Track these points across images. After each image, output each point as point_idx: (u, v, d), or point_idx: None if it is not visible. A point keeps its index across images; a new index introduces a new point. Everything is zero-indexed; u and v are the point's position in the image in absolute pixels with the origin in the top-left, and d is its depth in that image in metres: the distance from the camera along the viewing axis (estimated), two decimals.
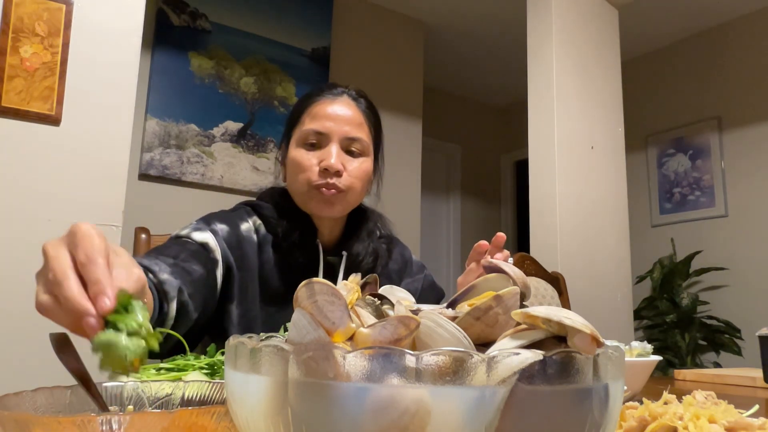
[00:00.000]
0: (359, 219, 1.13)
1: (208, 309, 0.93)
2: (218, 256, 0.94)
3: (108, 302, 0.39)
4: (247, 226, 1.02)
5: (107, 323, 0.38)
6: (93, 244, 0.42)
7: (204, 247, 0.93)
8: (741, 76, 3.93)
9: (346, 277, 1.05)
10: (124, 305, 0.39)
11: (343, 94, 1.06)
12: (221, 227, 0.99)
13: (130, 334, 0.37)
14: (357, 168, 1.02)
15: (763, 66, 3.83)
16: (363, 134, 1.03)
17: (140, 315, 0.39)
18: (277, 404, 0.30)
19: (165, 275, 0.81)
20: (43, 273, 0.43)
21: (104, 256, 0.42)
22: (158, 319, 0.77)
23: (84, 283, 0.41)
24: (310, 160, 1.00)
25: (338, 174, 0.99)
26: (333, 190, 0.99)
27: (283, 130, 1.11)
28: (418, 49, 4.07)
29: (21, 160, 1.52)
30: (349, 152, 1.02)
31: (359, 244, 1.09)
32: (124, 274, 0.44)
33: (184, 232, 0.95)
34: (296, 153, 1.02)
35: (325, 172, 0.98)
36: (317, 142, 1.01)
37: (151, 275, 0.79)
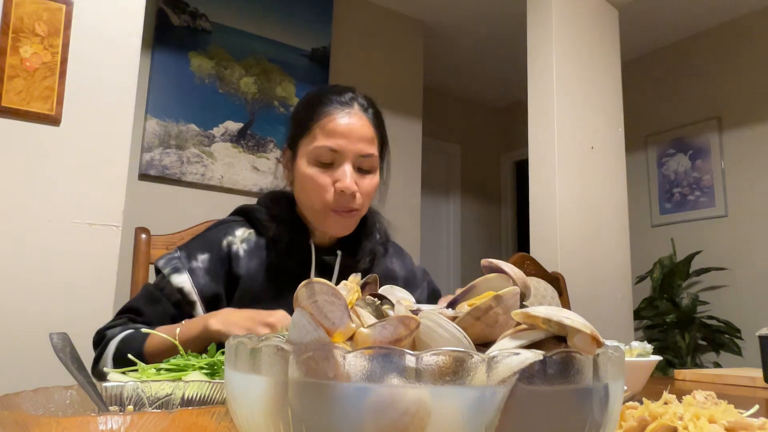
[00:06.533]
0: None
1: None
2: (195, 297, 0.98)
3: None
4: (229, 240, 1.04)
5: None
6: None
7: (180, 291, 0.97)
8: (741, 76, 3.93)
9: (341, 277, 1.05)
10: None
11: (353, 102, 1.03)
12: (202, 258, 1.01)
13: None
14: (368, 185, 1.03)
15: (763, 66, 3.83)
16: (374, 149, 1.03)
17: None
18: (277, 404, 0.30)
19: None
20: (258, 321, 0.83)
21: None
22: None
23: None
24: (324, 179, 1.00)
25: (353, 195, 1.00)
26: (350, 213, 1.02)
27: (288, 131, 1.09)
28: (418, 49, 4.07)
29: (21, 160, 1.52)
30: (359, 169, 1.02)
31: (356, 245, 1.10)
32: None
33: (165, 271, 0.99)
34: (310, 171, 1.01)
35: (341, 194, 0.99)
36: (330, 160, 1.00)
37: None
